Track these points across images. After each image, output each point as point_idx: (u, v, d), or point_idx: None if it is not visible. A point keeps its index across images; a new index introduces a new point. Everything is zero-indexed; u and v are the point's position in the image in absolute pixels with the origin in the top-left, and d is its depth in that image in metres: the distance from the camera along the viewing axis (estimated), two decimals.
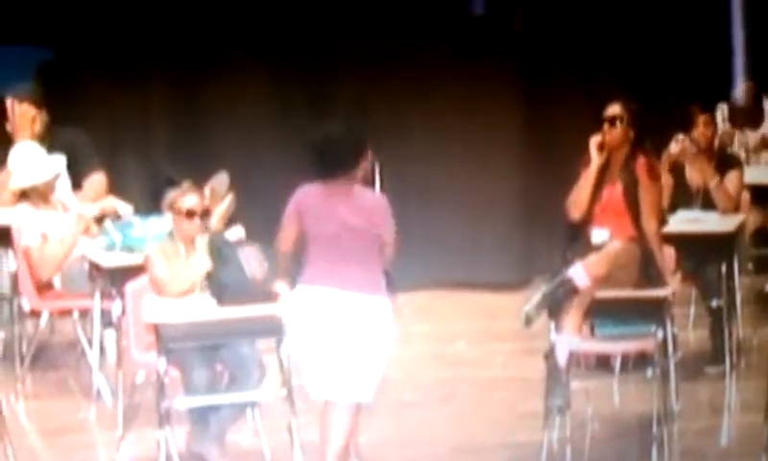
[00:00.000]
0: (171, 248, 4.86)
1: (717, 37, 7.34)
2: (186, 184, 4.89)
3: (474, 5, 7.23)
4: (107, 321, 5.55)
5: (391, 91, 7.15)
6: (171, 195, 4.88)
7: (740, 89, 6.88)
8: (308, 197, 4.72)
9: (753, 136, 6.86)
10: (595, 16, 7.06)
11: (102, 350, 5.63)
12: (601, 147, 5.10)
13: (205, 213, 4.87)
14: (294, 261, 4.65)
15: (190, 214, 4.82)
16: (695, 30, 7.12)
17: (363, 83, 7.12)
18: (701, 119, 6.01)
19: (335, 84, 7.09)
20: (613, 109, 5.12)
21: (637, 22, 7.13)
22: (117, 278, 5.31)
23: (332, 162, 4.62)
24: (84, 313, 5.72)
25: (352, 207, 4.64)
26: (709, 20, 7.23)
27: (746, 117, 6.82)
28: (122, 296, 5.13)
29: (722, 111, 6.78)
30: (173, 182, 4.94)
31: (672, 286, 5.09)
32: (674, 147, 5.87)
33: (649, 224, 5.08)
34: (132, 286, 5.07)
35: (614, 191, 5.14)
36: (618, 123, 5.10)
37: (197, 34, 6.99)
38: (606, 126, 5.12)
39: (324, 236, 4.64)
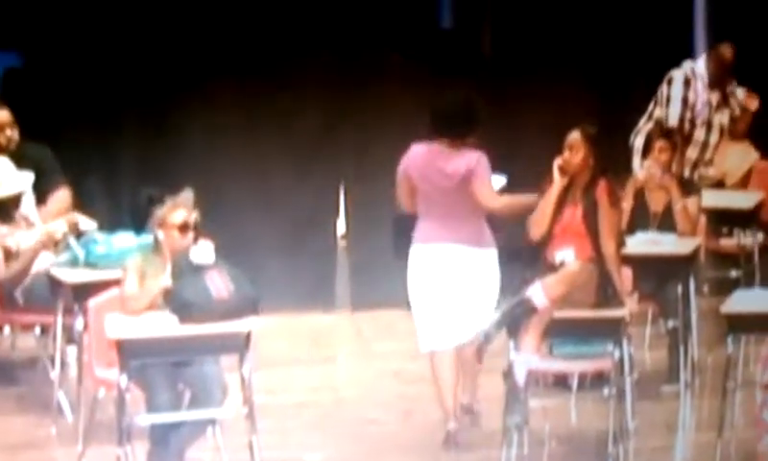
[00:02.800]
0: (155, 263, 4.80)
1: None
2: (171, 201, 4.85)
3: (442, 19, 7.15)
4: (69, 337, 5.47)
5: (359, 109, 7.12)
6: (160, 211, 4.83)
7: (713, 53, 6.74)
8: (417, 157, 5.28)
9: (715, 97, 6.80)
10: (565, 32, 7.08)
11: (63, 365, 5.55)
12: (563, 170, 5.12)
13: (190, 229, 4.81)
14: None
15: (183, 229, 4.78)
16: (662, 42, 7.13)
17: (331, 101, 7.10)
18: (658, 145, 6.06)
19: (302, 102, 7.06)
20: (574, 135, 5.15)
21: (606, 41, 7.15)
22: (80, 293, 5.25)
23: (452, 126, 5.20)
24: (47, 329, 5.64)
25: (455, 165, 5.19)
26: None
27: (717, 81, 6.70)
28: (84, 312, 5.07)
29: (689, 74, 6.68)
30: (153, 200, 4.89)
31: (629, 307, 5.11)
32: (641, 174, 5.91)
33: (607, 246, 5.10)
34: (94, 302, 5.00)
35: (575, 213, 5.16)
36: (579, 149, 5.12)
37: (165, 51, 6.94)
38: (567, 152, 5.14)
39: (431, 193, 5.21)
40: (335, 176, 7.14)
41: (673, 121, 6.68)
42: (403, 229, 5.38)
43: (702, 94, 6.76)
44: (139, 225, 5.01)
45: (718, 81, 6.77)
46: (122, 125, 6.99)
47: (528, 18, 7.10)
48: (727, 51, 6.76)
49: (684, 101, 6.70)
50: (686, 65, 6.78)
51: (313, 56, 7.00)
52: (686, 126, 6.73)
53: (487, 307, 5.19)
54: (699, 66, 6.79)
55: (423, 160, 5.27)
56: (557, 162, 5.14)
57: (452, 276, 5.23)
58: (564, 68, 7.10)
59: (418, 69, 6.86)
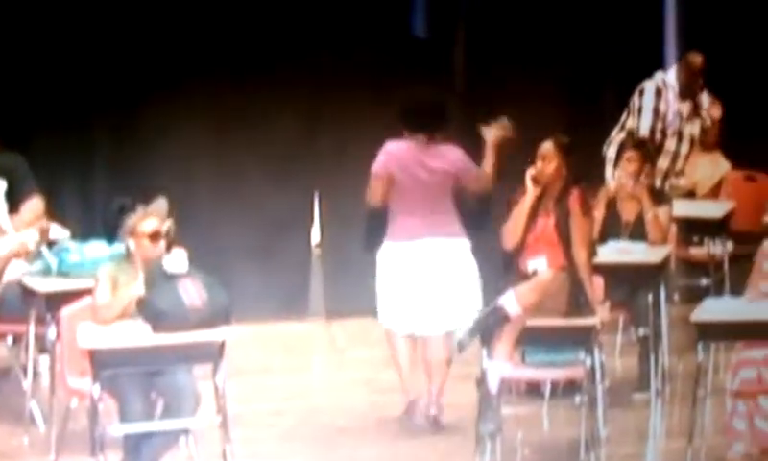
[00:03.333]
0: (128, 272, 4.77)
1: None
2: (142, 209, 4.82)
3: (416, 27, 7.18)
4: (41, 346, 5.43)
5: (333, 117, 7.11)
6: (131, 220, 4.81)
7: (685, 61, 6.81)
8: (398, 154, 5.40)
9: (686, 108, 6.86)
10: (538, 43, 7.09)
11: (36, 375, 5.51)
12: (535, 180, 5.14)
13: (163, 237, 4.80)
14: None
15: (154, 237, 4.75)
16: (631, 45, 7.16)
17: (306, 109, 7.08)
18: (626, 155, 6.09)
19: (277, 110, 7.04)
20: (547, 145, 5.16)
21: (579, 51, 7.17)
22: (52, 303, 5.21)
23: (428, 121, 5.33)
24: (19, 338, 5.59)
25: (437, 161, 5.34)
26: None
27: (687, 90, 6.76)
28: (57, 321, 5.03)
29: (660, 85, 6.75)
30: (125, 209, 4.87)
31: (600, 315, 5.12)
32: (613, 183, 5.93)
33: (579, 255, 5.12)
34: (67, 311, 4.97)
35: (548, 223, 5.18)
36: (551, 159, 5.14)
37: (138, 57, 6.90)
38: (540, 162, 5.15)
39: (412, 189, 5.34)
40: (309, 184, 7.12)
41: (644, 131, 6.72)
42: (377, 224, 5.47)
43: (673, 104, 6.80)
44: (111, 234, 4.98)
45: (689, 90, 6.81)
46: (94, 132, 6.95)
47: (501, 28, 7.12)
48: (696, 59, 6.80)
49: (656, 111, 6.74)
50: (658, 76, 6.82)
51: (287, 63, 6.98)
52: (658, 136, 6.77)
53: (471, 295, 5.39)
54: (670, 77, 6.83)
55: (406, 157, 5.37)
56: (529, 172, 5.16)
57: (435, 269, 5.38)
58: (537, 78, 7.12)
59: (391, 78, 6.86)
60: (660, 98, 6.74)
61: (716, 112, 6.90)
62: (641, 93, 6.76)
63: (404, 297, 5.43)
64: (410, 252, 5.38)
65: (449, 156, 5.41)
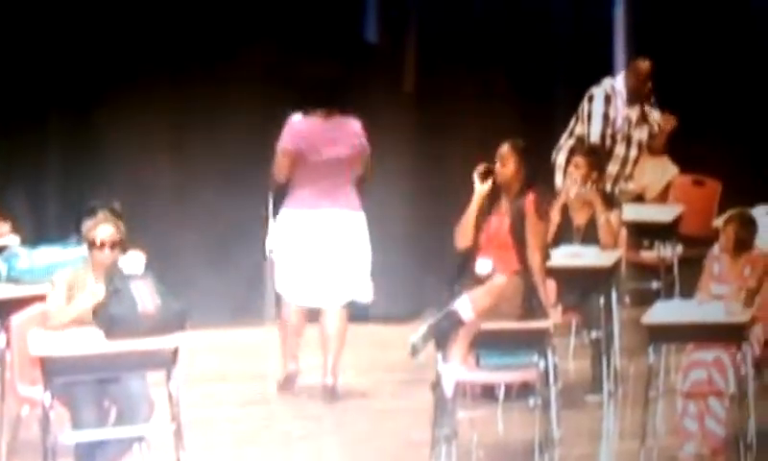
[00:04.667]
0: (84, 277, 4.68)
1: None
2: (102, 214, 4.73)
3: (367, 32, 7.16)
4: None
5: (286, 118, 7.05)
6: (86, 224, 4.72)
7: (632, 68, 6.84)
8: (306, 130, 5.58)
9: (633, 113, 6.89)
10: (488, 49, 7.08)
11: None
12: (484, 176, 5.10)
13: (119, 244, 4.71)
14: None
15: (101, 245, 4.68)
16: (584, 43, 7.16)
17: (260, 113, 7.01)
18: (573, 161, 6.09)
19: (230, 114, 6.96)
20: (505, 147, 5.14)
21: (529, 59, 7.17)
22: (2, 310, 5.09)
23: (325, 97, 5.54)
24: None
25: (337, 134, 5.55)
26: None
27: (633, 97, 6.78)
28: (6, 328, 4.91)
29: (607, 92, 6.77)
30: (94, 212, 4.77)
31: (553, 318, 5.10)
32: (571, 190, 5.91)
33: (534, 257, 5.10)
34: (17, 319, 4.85)
35: (501, 224, 5.15)
36: (509, 160, 5.11)
37: (90, 58, 6.79)
38: (498, 164, 5.11)
39: (317, 164, 5.52)
40: (264, 188, 7.06)
41: (595, 137, 6.73)
42: (282, 199, 5.72)
43: (621, 110, 6.82)
44: (80, 237, 4.87)
45: (636, 96, 6.83)
46: (45, 135, 6.83)
47: (451, 32, 7.10)
48: (644, 65, 6.83)
49: (606, 117, 6.75)
50: (606, 82, 6.84)
51: (239, 67, 6.91)
52: (608, 142, 6.78)
53: (362, 268, 5.62)
54: (618, 83, 6.85)
55: (310, 132, 5.58)
56: (477, 170, 5.12)
57: (331, 239, 5.60)
58: (488, 82, 7.10)
59: (344, 82, 6.82)
60: (610, 104, 6.75)
61: (669, 125, 6.94)
62: (590, 99, 6.77)
63: (301, 267, 5.59)
64: (307, 220, 5.62)
65: (349, 129, 5.63)
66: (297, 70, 5.81)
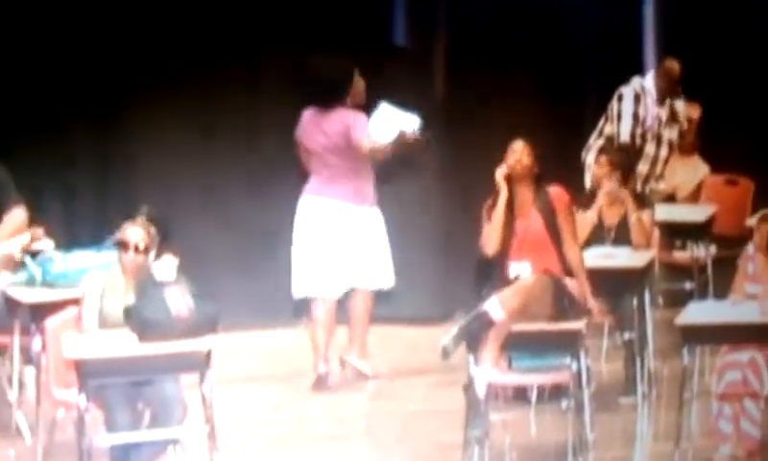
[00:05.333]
0: (116, 280, 4.73)
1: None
2: (139, 219, 4.77)
3: (396, 34, 7.15)
4: (26, 357, 5.35)
5: None
6: (118, 231, 4.78)
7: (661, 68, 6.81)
8: (304, 120, 5.89)
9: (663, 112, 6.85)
10: (518, 49, 7.06)
11: (21, 386, 5.42)
12: (507, 178, 5.09)
13: (147, 248, 4.73)
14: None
15: (129, 247, 4.71)
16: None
17: (288, 116, 7.03)
18: (599, 160, 6.06)
19: (260, 117, 6.99)
20: (517, 143, 5.12)
21: (559, 59, 7.15)
22: (37, 313, 5.13)
23: (320, 93, 5.81)
24: (3, 349, 5.50)
25: (333, 126, 5.77)
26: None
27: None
28: (42, 332, 4.95)
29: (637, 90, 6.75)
30: (132, 218, 4.82)
31: (594, 307, 5.02)
32: (608, 186, 5.89)
33: (572, 251, 5.09)
34: (52, 322, 4.89)
35: (531, 224, 5.13)
36: (523, 154, 5.10)
37: (120, 65, 6.84)
38: (512, 158, 5.10)
39: (316, 154, 5.82)
40: (294, 192, 7.08)
41: (624, 137, 6.70)
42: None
43: (651, 109, 6.79)
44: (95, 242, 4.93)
45: (666, 95, 6.80)
46: (78, 142, 6.88)
47: (481, 34, 7.08)
48: (674, 65, 6.81)
49: (635, 116, 6.73)
50: (636, 81, 6.81)
51: (267, 70, 6.93)
52: (638, 141, 6.76)
53: (377, 262, 5.79)
54: (647, 82, 6.82)
55: (309, 123, 5.89)
56: (500, 172, 5.10)
57: (333, 229, 5.79)
58: (518, 85, 7.09)
59: (373, 87, 6.83)
60: (639, 103, 6.73)
61: (695, 113, 6.90)
62: (620, 99, 6.75)
63: (309, 256, 5.87)
64: (311, 207, 5.87)
65: (342, 120, 5.81)
66: (301, 66, 6.02)
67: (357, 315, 5.88)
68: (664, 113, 6.86)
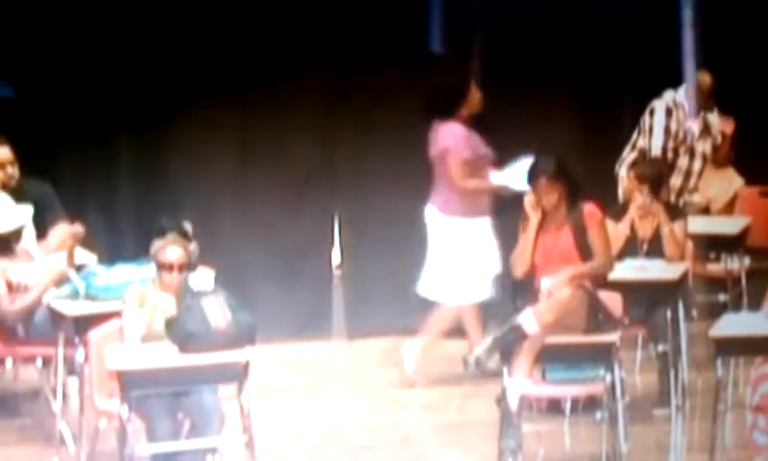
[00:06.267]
0: (156, 294, 4.80)
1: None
2: (172, 236, 4.84)
3: (432, 43, 7.19)
4: (70, 368, 5.45)
5: (353, 138, 7.10)
6: (156, 245, 4.84)
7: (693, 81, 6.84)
8: (431, 133, 6.15)
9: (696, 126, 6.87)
10: (553, 60, 7.08)
11: (65, 397, 5.52)
12: (536, 205, 5.13)
13: (186, 266, 4.81)
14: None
15: (169, 267, 4.78)
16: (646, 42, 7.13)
17: (325, 130, 7.09)
18: (629, 174, 6.09)
19: (297, 132, 7.04)
20: (541, 181, 5.15)
21: (594, 70, 7.15)
22: (80, 325, 5.23)
23: (430, 107, 6.05)
24: (48, 360, 5.61)
25: (438, 139, 6.03)
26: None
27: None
28: (85, 344, 5.05)
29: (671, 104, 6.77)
30: (164, 232, 4.89)
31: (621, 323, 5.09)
32: (639, 199, 5.93)
33: (606, 267, 5.15)
34: (95, 334, 4.99)
35: (561, 239, 5.17)
36: (550, 190, 5.14)
37: (159, 81, 6.92)
38: (542, 197, 5.15)
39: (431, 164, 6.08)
40: (330, 205, 7.14)
41: (656, 150, 6.71)
42: None
43: (684, 122, 6.80)
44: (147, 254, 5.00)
45: (699, 109, 6.81)
46: (119, 157, 6.97)
47: (517, 44, 7.10)
48: (706, 78, 6.81)
49: (667, 130, 6.74)
50: (668, 95, 6.82)
51: (306, 84, 6.98)
52: (670, 155, 6.77)
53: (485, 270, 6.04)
54: (680, 95, 6.83)
55: (431, 134, 6.16)
56: (529, 200, 5.16)
57: (429, 234, 6.15)
58: (553, 94, 7.09)
59: (409, 97, 6.88)
60: (671, 117, 6.74)
61: (729, 128, 6.89)
62: (652, 113, 6.76)
63: (441, 267, 6.14)
64: (432, 220, 6.17)
65: (439, 133, 6.06)
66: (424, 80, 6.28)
67: (477, 321, 6.15)
68: (697, 127, 6.86)
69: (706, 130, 6.89)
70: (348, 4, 6.98)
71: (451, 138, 6.02)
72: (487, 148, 6.13)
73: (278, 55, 7.00)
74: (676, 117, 6.73)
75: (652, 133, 6.71)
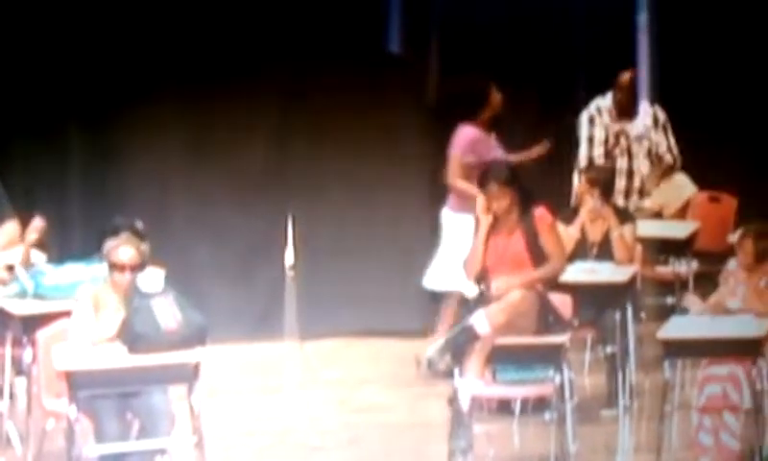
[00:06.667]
0: (107, 293, 4.76)
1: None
2: (124, 235, 4.80)
3: (390, 44, 7.19)
4: (17, 368, 5.39)
5: (307, 138, 7.09)
6: (108, 245, 4.80)
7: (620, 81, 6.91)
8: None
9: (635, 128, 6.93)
10: (510, 59, 7.12)
11: (12, 397, 5.46)
12: (486, 209, 5.18)
13: (140, 267, 4.78)
14: None
15: (121, 267, 4.75)
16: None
17: (278, 130, 7.06)
18: (583, 177, 6.14)
19: (250, 131, 7.02)
20: (493, 187, 5.20)
21: (552, 72, 7.20)
22: (28, 325, 5.18)
23: (454, 112, 6.25)
24: None
25: (452, 144, 6.23)
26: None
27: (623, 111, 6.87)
28: (33, 343, 5.00)
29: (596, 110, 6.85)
30: (117, 231, 4.84)
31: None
32: (590, 203, 5.97)
33: (558, 269, 5.19)
34: (43, 334, 4.94)
35: (511, 243, 5.22)
36: (502, 196, 5.19)
37: (111, 80, 6.87)
38: (494, 203, 5.20)
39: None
40: (284, 206, 7.12)
41: (583, 161, 6.77)
42: None
43: (612, 126, 6.85)
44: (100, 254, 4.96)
45: (625, 109, 6.85)
46: (69, 154, 6.91)
47: (474, 43, 7.12)
48: (626, 78, 6.85)
49: (590, 139, 6.81)
50: (592, 104, 6.86)
51: (259, 84, 6.96)
52: (602, 161, 6.80)
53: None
54: (605, 101, 6.87)
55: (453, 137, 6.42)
56: (480, 204, 5.21)
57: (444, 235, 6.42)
58: (511, 93, 7.13)
59: (365, 97, 6.87)
60: (594, 125, 6.80)
61: (669, 159, 6.96)
62: (578, 125, 6.82)
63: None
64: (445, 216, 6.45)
65: (456, 136, 6.30)
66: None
67: None
68: (631, 127, 6.91)
69: (643, 130, 6.92)
70: (304, 3, 6.97)
71: (459, 142, 6.25)
72: (500, 152, 6.29)
73: (234, 53, 6.96)
74: (600, 123, 6.79)
75: (579, 145, 6.79)
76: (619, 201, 6.55)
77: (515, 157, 6.32)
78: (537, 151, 6.47)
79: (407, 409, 5.92)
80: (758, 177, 7.23)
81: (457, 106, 6.30)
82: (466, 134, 6.26)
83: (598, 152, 6.75)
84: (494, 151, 6.28)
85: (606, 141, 6.77)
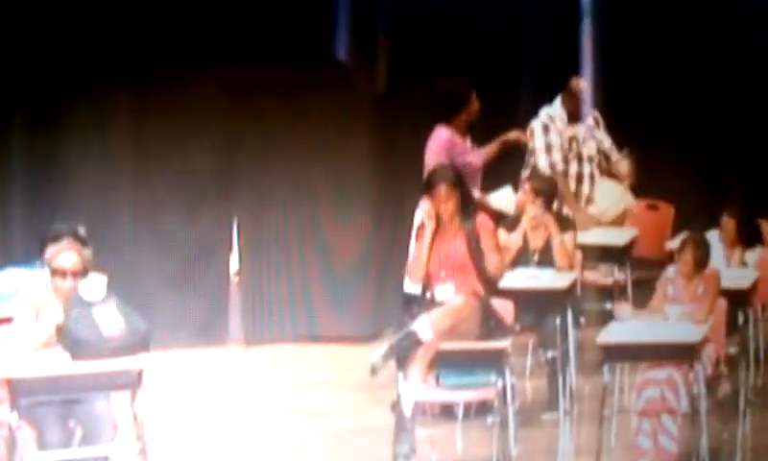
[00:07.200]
0: (48, 299, 4.71)
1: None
2: (66, 241, 4.75)
3: (337, 49, 7.16)
4: None
5: (251, 143, 7.06)
6: (50, 250, 4.75)
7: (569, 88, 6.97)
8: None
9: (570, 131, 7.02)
10: (458, 67, 7.15)
11: None
12: (431, 214, 5.21)
13: (82, 272, 4.74)
14: None
15: (63, 273, 4.70)
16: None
17: (223, 136, 7.03)
18: (525, 186, 6.23)
19: (194, 136, 6.98)
20: (440, 189, 5.23)
21: (503, 87, 7.25)
22: None
23: (433, 112, 6.12)
24: None
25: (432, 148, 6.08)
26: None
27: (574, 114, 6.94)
28: None
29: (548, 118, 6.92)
30: (59, 236, 4.78)
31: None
32: (532, 211, 6.04)
33: (493, 258, 5.21)
34: None
35: (454, 247, 5.26)
36: (449, 197, 5.22)
37: (56, 82, 6.79)
38: (442, 205, 5.22)
39: None
40: (228, 211, 7.10)
41: (544, 169, 6.84)
42: None
43: (565, 132, 6.94)
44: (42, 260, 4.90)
45: (576, 115, 6.94)
46: (9, 155, 6.82)
47: (422, 52, 7.16)
48: (577, 85, 6.95)
49: (548, 147, 6.89)
50: (543, 112, 6.94)
51: (207, 85, 6.92)
52: (559, 167, 6.90)
53: None
54: (555, 108, 6.96)
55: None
56: (425, 210, 5.24)
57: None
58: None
59: (311, 100, 6.86)
60: (549, 132, 6.89)
61: (624, 169, 7.05)
62: (531, 134, 6.88)
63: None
64: None
65: (431, 137, 6.15)
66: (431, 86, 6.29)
67: None
68: (580, 131, 7.01)
69: (589, 134, 7.02)
70: (249, 4, 6.95)
71: (432, 143, 6.14)
72: (475, 156, 6.18)
73: (179, 56, 6.92)
74: (554, 129, 6.88)
75: (535, 154, 6.86)
76: (570, 203, 6.63)
77: (487, 150, 6.23)
78: (508, 138, 6.36)
79: (353, 414, 5.93)
80: (696, 185, 7.37)
81: (436, 105, 6.16)
82: (441, 137, 6.16)
83: (557, 157, 6.83)
84: (469, 155, 6.18)
85: (561, 146, 6.86)
